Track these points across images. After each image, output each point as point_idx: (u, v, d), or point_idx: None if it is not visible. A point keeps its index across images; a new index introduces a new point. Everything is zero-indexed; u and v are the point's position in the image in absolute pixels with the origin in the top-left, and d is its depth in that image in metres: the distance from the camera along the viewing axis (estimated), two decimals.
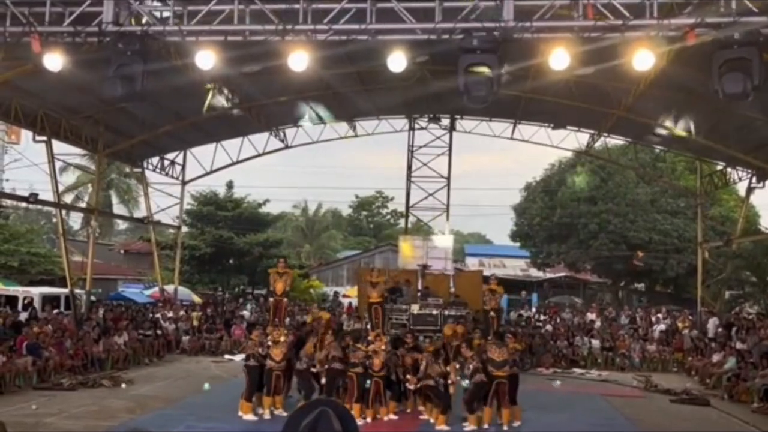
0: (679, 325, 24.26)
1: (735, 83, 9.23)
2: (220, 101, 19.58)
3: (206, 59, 10.27)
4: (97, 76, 11.22)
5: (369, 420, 12.54)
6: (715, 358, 19.15)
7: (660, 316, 26.48)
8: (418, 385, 12.80)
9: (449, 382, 12.42)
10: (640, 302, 40.63)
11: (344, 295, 33.28)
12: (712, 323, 23.26)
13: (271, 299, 15.33)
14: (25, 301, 21.77)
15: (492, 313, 15.34)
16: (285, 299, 15.05)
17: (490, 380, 12.47)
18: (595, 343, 22.48)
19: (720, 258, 28.77)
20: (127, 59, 9.85)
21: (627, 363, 21.63)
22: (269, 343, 13.12)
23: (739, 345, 19.35)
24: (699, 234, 26.45)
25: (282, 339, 13.14)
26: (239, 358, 19.26)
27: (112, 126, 21.75)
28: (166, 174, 26.99)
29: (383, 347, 12.80)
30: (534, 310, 30.73)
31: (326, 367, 12.99)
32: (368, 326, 14.61)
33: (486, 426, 12.39)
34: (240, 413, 12.77)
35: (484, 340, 13.17)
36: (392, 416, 13.04)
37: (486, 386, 12.44)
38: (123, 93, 10.22)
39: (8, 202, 33.36)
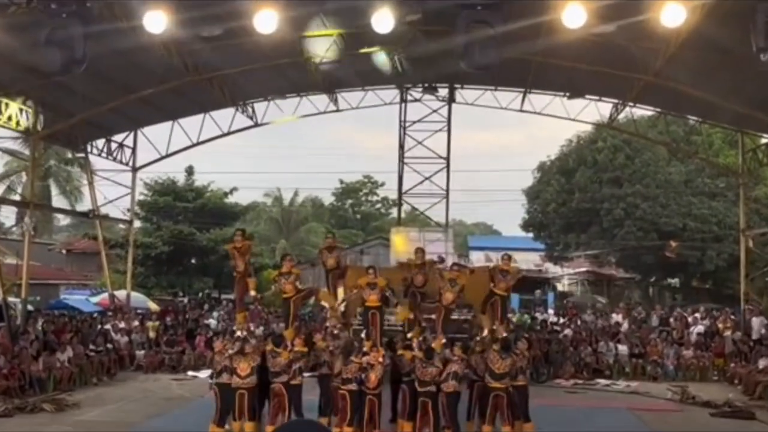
0: (720, 326, 24.43)
1: None
2: None
3: (156, 21, 10.18)
4: (27, 43, 11.10)
5: None
6: (762, 363, 19.29)
7: (697, 316, 26.66)
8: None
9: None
10: (674, 300, 40.90)
11: None
12: (758, 323, 23.41)
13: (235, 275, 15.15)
14: None
15: (496, 297, 14.75)
16: (249, 278, 14.99)
17: (486, 392, 12.52)
18: (623, 349, 22.61)
19: (766, 247, 28.93)
20: (63, 22, 9.76)
21: (659, 372, 21.78)
22: (233, 350, 12.94)
23: None
24: (741, 219, 26.57)
25: (248, 348, 12.99)
26: (205, 374, 19.25)
27: (48, 103, 21.58)
28: (114, 159, 26.82)
29: (380, 360, 12.77)
30: (551, 311, 30.85)
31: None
32: (363, 335, 14.60)
33: None
34: None
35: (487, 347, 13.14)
36: None
37: (459, 396, 12.48)
38: (62, 62, 10.12)
39: None
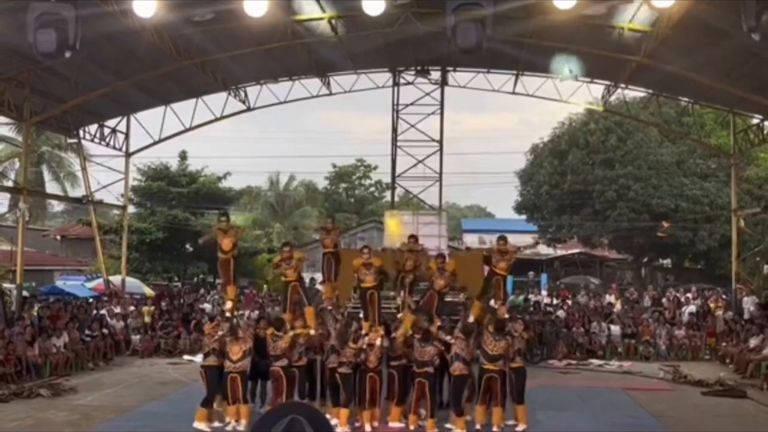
0: (712, 305, 24.55)
1: None
2: None
3: (146, 5, 10.09)
4: (18, 27, 10.99)
5: (367, 426, 12.56)
6: (753, 342, 19.39)
7: (689, 296, 26.76)
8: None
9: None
10: (666, 281, 41.05)
11: (322, 282, 33.29)
12: (749, 302, 23.55)
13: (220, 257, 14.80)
14: None
15: (498, 277, 14.72)
16: (230, 286, 14.74)
17: (480, 373, 12.56)
18: (615, 329, 22.72)
19: (757, 227, 29.05)
20: (53, 6, 9.66)
21: (652, 351, 21.89)
22: (225, 336, 12.97)
23: None
24: (733, 199, 26.63)
25: (240, 332, 13.02)
26: (200, 358, 19.28)
27: (40, 89, 21.43)
28: (107, 144, 26.71)
29: (379, 341, 12.77)
30: (544, 293, 30.92)
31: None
32: (360, 316, 14.68)
33: (477, 426, 12.46)
34: (195, 423, 12.62)
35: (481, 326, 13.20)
36: (397, 424, 12.95)
37: (467, 379, 12.53)
38: (55, 46, 10.03)
39: None
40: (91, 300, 26.10)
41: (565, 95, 26.14)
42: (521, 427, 12.63)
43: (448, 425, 12.50)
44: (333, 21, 19.73)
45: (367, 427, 12.50)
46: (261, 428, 2.05)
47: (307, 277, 38.18)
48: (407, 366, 12.95)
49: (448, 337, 12.74)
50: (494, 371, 12.36)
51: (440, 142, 27.24)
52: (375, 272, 13.90)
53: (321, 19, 19.30)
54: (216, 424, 12.91)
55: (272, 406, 12.52)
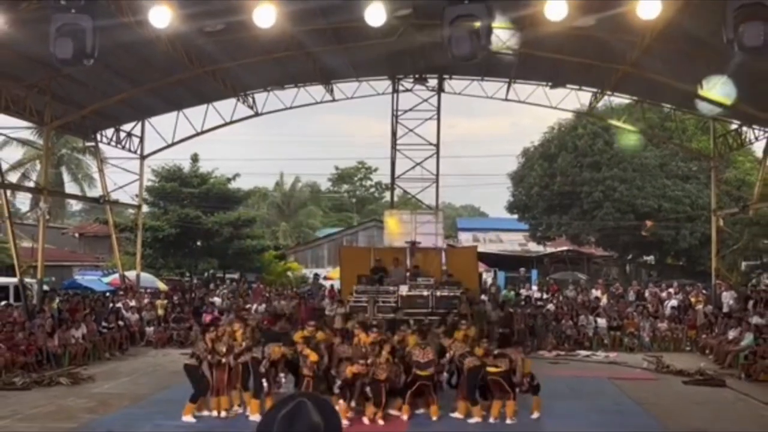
0: (692, 300, 24.57)
1: (755, 35, 9.10)
2: None
3: (161, 16, 10.10)
4: (40, 39, 11.00)
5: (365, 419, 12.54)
6: (731, 334, 19.42)
7: (671, 291, 26.77)
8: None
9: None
10: (649, 277, 41.08)
11: (325, 277, 33.33)
12: (728, 297, 23.57)
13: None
14: None
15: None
16: None
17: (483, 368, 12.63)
18: (602, 322, 22.74)
19: (736, 226, 29.06)
20: (72, 18, 9.66)
21: (636, 343, 21.91)
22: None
23: (756, 320, 19.64)
24: (713, 200, 26.64)
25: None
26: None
27: (60, 95, 21.44)
28: (123, 147, 26.71)
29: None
30: (534, 287, 30.93)
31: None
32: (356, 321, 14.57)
33: (492, 420, 12.47)
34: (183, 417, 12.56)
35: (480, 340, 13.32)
36: (395, 412, 12.90)
37: (480, 370, 12.56)
38: (73, 54, 10.04)
39: None
40: (107, 294, 26.14)
41: (555, 101, 26.18)
42: (535, 414, 12.79)
43: (454, 414, 12.54)
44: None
45: (365, 420, 12.42)
46: (272, 412, 2.07)
47: (310, 272, 38.29)
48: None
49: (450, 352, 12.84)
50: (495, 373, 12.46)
51: (437, 145, 27.26)
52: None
53: (325, 29, 19.30)
54: (222, 414, 12.93)
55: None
